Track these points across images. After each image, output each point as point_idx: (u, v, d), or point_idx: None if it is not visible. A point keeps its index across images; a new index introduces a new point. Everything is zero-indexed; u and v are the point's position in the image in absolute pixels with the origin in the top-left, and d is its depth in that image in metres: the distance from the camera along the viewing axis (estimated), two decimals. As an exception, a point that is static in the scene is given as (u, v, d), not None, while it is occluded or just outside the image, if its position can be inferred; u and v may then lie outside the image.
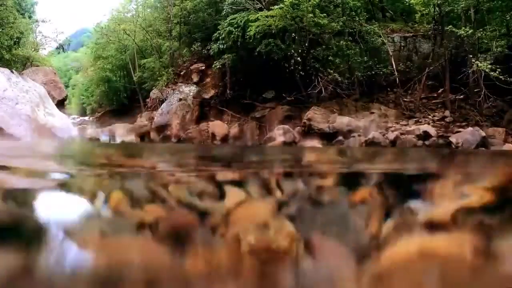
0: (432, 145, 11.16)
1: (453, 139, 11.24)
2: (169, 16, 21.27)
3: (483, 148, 10.47)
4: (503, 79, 11.16)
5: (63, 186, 1.70)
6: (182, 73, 19.74)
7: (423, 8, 14.18)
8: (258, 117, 15.89)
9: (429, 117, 13.38)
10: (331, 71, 13.57)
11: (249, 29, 14.19)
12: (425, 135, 11.53)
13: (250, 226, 1.03)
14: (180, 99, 17.51)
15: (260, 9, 15.14)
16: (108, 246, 1.06)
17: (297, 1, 13.45)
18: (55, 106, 14.49)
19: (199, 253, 0.98)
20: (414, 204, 1.21)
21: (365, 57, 14.46)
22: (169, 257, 1.01)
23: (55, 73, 21.57)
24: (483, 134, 10.82)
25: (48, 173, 2.18)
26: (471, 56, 12.55)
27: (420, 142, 11.39)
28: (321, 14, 13.81)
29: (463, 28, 12.38)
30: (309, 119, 13.33)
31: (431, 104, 14.18)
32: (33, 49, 25.65)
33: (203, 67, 19.05)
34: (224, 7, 16.75)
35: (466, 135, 11.00)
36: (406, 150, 8.99)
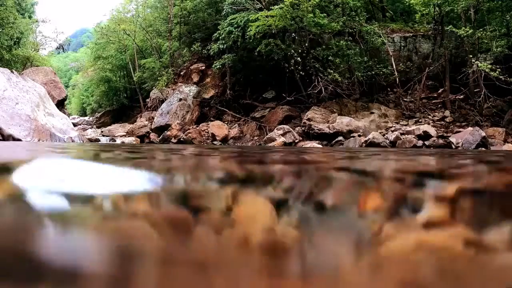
0: (432, 145, 11.16)
1: (453, 139, 11.24)
2: (169, 16, 21.28)
3: (483, 148, 10.47)
4: (503, 79, 11.16)
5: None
6: (182, 73, 19.75)
7: (423, 8, 14.18)
8: (258, 117, 15.89)
9: (429, 117, 13.38)
10: (331, 71, 13.56)
11: (249, 29, 14.19)
12: (425, 135, 11.52)
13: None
14: (180, 99, 17.52)
15: (260, 9, 15.14)
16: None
17: (297, 1, 13.44)
18: (55, 106, 14.50)
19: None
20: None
21: (365, 57, 14.46)
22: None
23: (55, 73, 21.56)
24: (483, 134, 10.82)
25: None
26: (471, 56, 12.55)
27: (420, 142, 11.38)
28: (321, 14, 13.81)
29: (463, 28, 12.38)
30: (309, 119, 13.33)
31: (431, 104, 14.18)
32: (33, 49, 25.68)
33: (203, 67, 19.06)
34: (224, 7, 16.75)
35: (466, 135, 10.99)
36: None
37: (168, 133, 15.65)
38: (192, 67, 19.40)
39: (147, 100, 21.16)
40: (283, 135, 13.02)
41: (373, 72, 14.10)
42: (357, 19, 14.74)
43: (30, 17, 27.00)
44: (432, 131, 11.74)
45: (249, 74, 16.97)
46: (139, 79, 23.35)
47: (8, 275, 0.57)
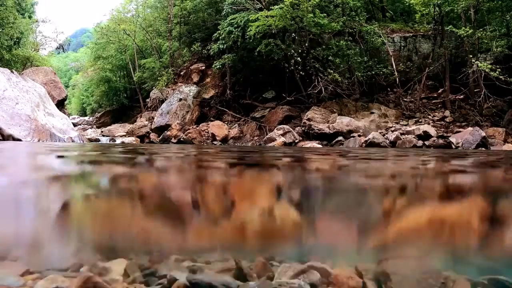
0: (432, 145, 11.16)
1: (453, 139, 11.24)
2: (169, 16, 21.28)
3: (483, 148, 10.47)
4: (503, 79, 11.16)
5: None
6: (182, 73, 19.74)
7: (423, 8, 14.17)
8: (258, 117, 15.89)
9: (429, 117, 13.38)
10: (331, 71, 13.55)
11: (249, 29, 14.18)
12: (425, 135, 11.52)
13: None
14: (180, 99, 17.51)
15: (260, 9, 15.13)
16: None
17: (297, 1, 13.44)
18: (55, 106, 14.50)
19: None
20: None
21: (365, 57, 14.46)
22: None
23: (55, 73, 21.55)
24: (483, 134, 10.82)
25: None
26: (471, 56, 12.55)
27: (420, 142, 11.39)
28: (321, 14, 13.80)
29: (463, 28, 12.37)
30: (309, 119, 13.33)
31: (431, 104, 14.18)
32: (33, 49, 25.66)
33: (203, 67, 19.05)
34: (224, 7, 16.74)
35: (466, 135, 10.99)
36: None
37: (168, 133, 15.65)
38: (192, 67, 19.39)
39: (147, 100, 21.16)
40: (283, 135, 13.02)
41: (373, 72, 14.10)
42: (357, 19, 14.74)
43: (30, 17, 26.97)
44: (432, 131, 11.74)
45: (249, 74, 16.96)
46: (139, 79, 23.34)
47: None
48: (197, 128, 15.89)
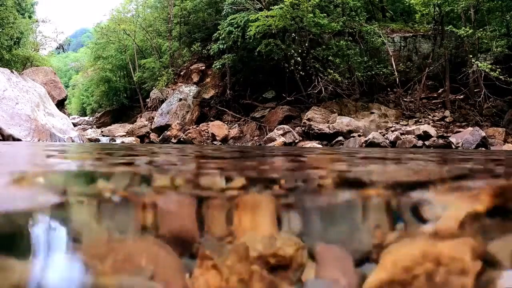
0: (432, 145, 11.16)
1: (453, 139, 11.23)
2: (169, 16, 21.29)
3: (483, 148, 10.47)
4: (503, 79, 11.16)
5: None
6: (182, 73, 19.76)
7: (423, 8, 14.17)
8: (258, 117, 15.89)
9: (429, 117, 13.38)
10: (331, 71, 13.56)
11: (249, 29, 14.18)
12: (425, 135, 11.52)
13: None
14: (180, 99, 17.52)
15: (260, 9, 15.14)
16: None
17: (297, 1, 13.44)
18: (55, 106, 14.50)
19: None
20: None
21: (365, 57, 14.46)
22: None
23: (55, 73, 21.56)
24: (483, 134, 10.81)
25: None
26: (471, 56, 12.55)
27: (420, 142, 11.38)
28: (321, 14, 13.81)
29: (463, 28, 12.37)
30: (309, 119, 13.33)
31: (431, 104, 14.18)
32: (33, 49, 25.69)
33: (203, 67, 19.06)
34: (224, 7, 16.75)
35: (466, 135, 10.99)
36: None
37: (168, 133, 15.65)
38: (192, 67, 19.40)
39: (147, 100, 21.17)
40: (283, 135, 13.02)
41: (373, 72, 14.10)
42: (357, 19, 14.74)
43: (30, 17, 26.98)
44: (432, 131, 11.74)
45: (249, 74, 16.97)
46: (139, 79, 23.36)
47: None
48: (197, 128, 15.89)
